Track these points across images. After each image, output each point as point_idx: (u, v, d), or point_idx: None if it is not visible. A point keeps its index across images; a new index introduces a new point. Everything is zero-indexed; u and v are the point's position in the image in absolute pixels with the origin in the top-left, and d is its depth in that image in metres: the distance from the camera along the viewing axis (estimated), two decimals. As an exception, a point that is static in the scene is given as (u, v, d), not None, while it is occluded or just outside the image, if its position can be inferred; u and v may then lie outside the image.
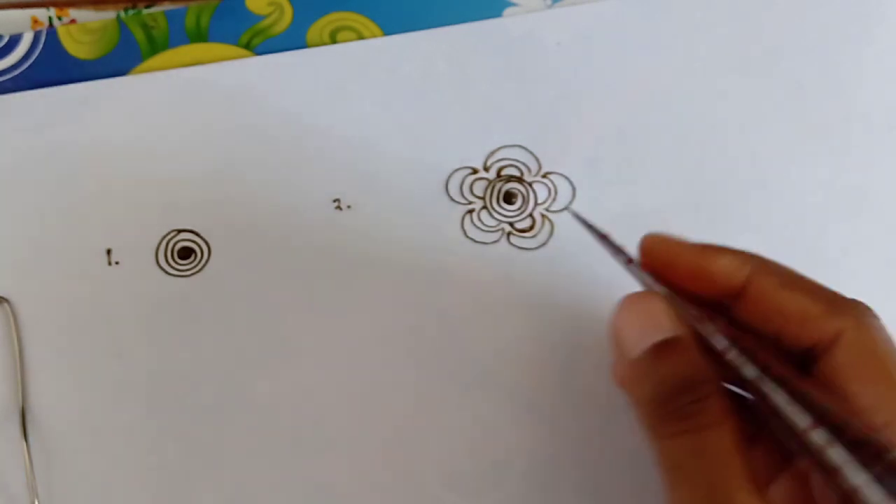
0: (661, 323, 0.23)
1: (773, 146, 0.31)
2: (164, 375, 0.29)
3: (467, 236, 0.31)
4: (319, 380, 0.29)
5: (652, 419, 0.23)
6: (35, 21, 0.33)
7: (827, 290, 0.24)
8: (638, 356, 0.24)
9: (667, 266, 0.25)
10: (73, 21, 0.33)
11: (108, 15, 0.33)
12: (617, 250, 0.26)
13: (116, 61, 0.32)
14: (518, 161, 0.31)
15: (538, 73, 0.32)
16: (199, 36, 0.32)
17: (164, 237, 0.30)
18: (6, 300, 0.30)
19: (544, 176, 0.31)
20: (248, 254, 0.30)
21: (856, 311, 0.23)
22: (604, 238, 0.27)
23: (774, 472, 0.24)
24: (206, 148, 0.31)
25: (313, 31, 0.32)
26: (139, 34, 0.32)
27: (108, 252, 0.30)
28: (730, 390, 0.23)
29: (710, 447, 0.22)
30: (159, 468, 0.29)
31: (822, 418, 0.21)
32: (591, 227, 0.26)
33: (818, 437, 0.20)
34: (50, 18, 0.33)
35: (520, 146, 0.31)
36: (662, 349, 0.23)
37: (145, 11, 0.33)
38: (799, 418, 0.21)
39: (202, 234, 0.31)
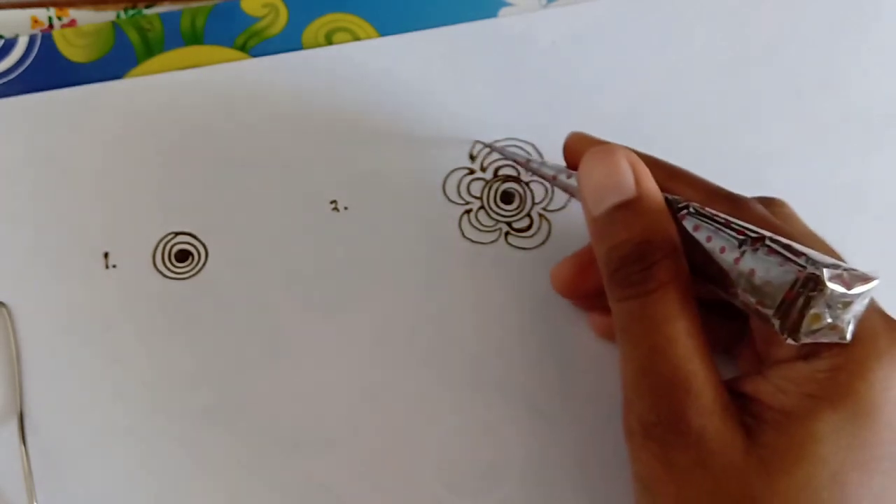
0: (620, 182, 0.23)
1: (770, 144, 0.31)
2: (162, 378, 0.29)
3: (465, 236, 0.31)
4: (318, 381, 0.29)
5: (605, 281, 0.24)
6: (35, 21, 0.33)
7: (707, 182, 0.25)
8: (597, 216, 0.24)
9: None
10: (73, 21, 0.33)
11: (108, 15, 0.33)
12: (540, 166, 0.28)
13: (112, 64, 0.32)
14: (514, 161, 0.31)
15: (534, 72, 0.32)
16: (195, 38, 0.32)
17: (161, 240, 0.30)
18: (3, 304, 0.30)
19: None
20: (245, 256, 0.30)
21: (732, 196, 0.24)
22: (527, 162, 0.29)
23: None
24: (202, 150, 0.31)
25: (309, 33, 0.32)
26: (134, 37, 0.32)
27: (106, 255, 0.30)
28: (688, 251, 0.23)
29: (652, 311, 0.22)
30: (159, 471, 0.29)
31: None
32: (505, 153, 0.28)
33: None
34: (50, 18, 0.33)
35: (516, 146, 0.31)
36: (619, 212, 0.23)
37: (145, 12, 0.33)
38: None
39: (199, 237, 0.31)
